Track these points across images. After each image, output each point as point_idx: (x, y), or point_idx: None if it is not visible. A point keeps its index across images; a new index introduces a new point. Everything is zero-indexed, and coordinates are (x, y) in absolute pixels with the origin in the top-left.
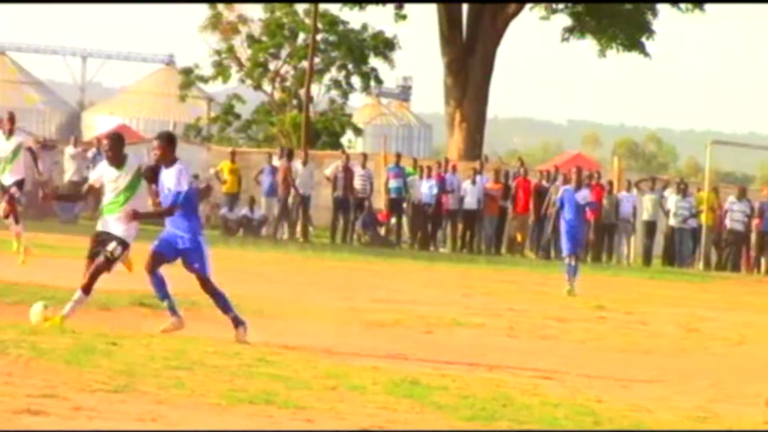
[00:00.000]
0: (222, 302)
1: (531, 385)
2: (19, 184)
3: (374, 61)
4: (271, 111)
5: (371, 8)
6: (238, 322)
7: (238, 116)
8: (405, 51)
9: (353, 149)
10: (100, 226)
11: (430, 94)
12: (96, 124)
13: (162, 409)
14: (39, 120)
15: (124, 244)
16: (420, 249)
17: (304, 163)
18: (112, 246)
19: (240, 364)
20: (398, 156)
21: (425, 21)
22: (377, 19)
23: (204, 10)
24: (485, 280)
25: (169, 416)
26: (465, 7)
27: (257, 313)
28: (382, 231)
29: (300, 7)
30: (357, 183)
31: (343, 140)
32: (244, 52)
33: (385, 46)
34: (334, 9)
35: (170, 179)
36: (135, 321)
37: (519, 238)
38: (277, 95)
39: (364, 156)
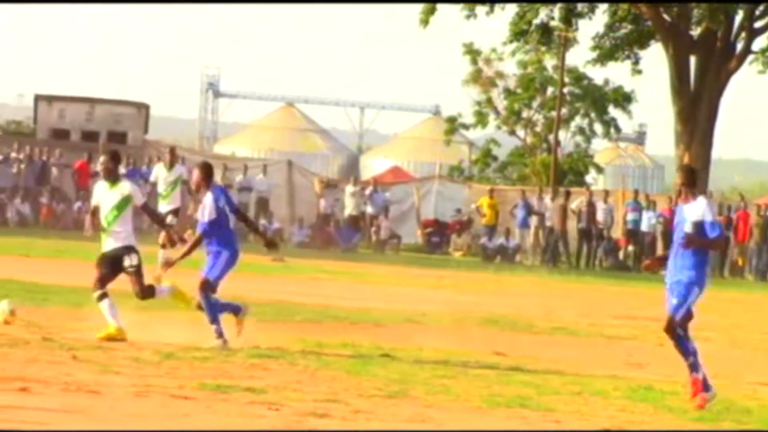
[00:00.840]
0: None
1: (750, 390)
2: (175, 212)
3: (614, 111)
4: (524, 154)
5: (611, 64)
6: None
7: (495, 158)
8: (640, 102)
9: (595, 187)
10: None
11: (662, 138)
12: (372, 166)
13: (430, 412)
14: (323, 163)
15: (135, 251)
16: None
17: (552, 199)
18: (133, 259)
19: (497, 373)
20: (636, 192)
21: (658, 75)
22: (616, 74)
23: (466, 66)
24: (711, 299)
25: (436, 418)
26: (692, 63)
27: (512, 327)
28: (621, 257)
29: (549, 64)
30: (599, 215)
31: (587, 179)
32: (500, 103)
33: (623, 98)
34: (579, 65)
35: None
36: (406, 335)
37: (740, 262)
38: (529, 140)
39: (606, 192)
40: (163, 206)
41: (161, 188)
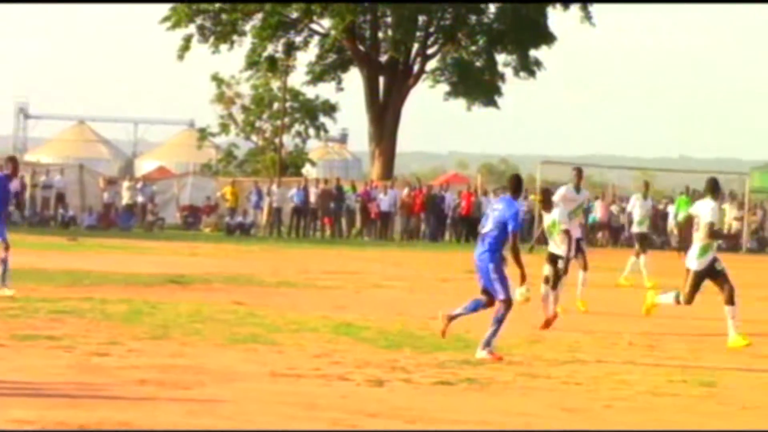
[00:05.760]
0: None
1: (423, 323)
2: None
3: (323, 119)
4: (257, 153)
5: (321, 84)
6: None
7: (235, 157)
8: (343, 110)
9: (310, 176)
10: None
11: (360, 137)
12: (143, 167)
13: (186, 350)
14: (106, 166)
15: None
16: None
17: (278, 185)
18: None
19: (236, 318)
20: (338, 179)
21: (356, 90)
22: (325, 90)
23: (213, 89)
24: (402, 256)
25: (188, 354)
26: (381, 81)
27: (248, 283)
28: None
29: (274, 85)
30: (313, 197)
31: (304, 171)
32: (239, 116)
33: (330, 109)
34: (297, 85)
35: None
36: (169, 293)
37: (419, 229)
38: (261, 143)
39: (317, 180)
40: None
41: None
